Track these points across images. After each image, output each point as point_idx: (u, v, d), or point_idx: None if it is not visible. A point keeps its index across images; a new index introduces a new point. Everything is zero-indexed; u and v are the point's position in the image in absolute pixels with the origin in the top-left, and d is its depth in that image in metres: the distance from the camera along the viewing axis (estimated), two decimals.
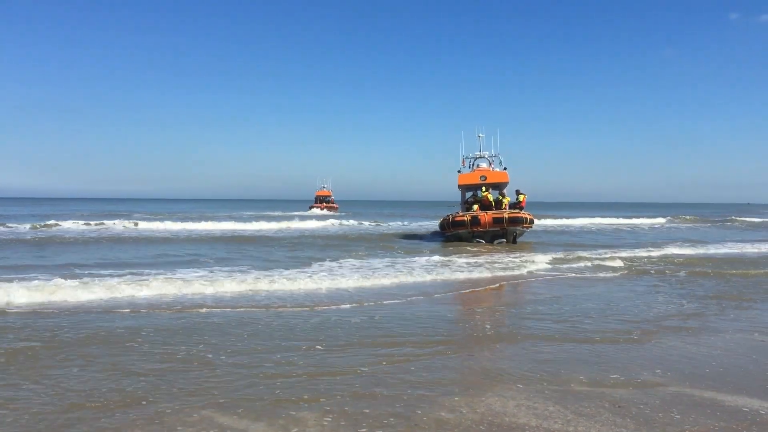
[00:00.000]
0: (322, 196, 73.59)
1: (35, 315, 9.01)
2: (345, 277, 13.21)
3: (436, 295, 11.39)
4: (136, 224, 33.05)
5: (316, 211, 67.07)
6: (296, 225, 36.47)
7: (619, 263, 17.37)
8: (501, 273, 14.77)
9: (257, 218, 44.52)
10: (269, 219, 43.02)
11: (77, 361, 6.54)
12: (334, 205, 72.50)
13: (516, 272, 14.89)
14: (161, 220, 37.96)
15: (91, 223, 33.97)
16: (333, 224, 39.08)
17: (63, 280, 11.24)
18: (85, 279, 11.96)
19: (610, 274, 15.14)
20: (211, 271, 14.22)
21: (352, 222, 43.12)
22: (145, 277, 12.37)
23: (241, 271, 14.17)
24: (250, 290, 11.51)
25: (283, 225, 35.99)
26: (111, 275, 12.87)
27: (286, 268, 14.90)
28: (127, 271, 13.90)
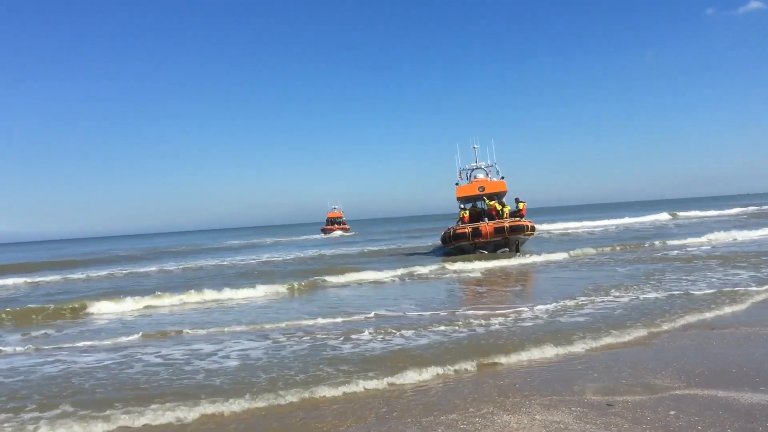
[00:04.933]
0: (334, 217, 74.35)
1: None
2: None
3: None
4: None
5: (336, 233, 68.11)
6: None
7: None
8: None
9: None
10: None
11: None
12: (346, 226, 73.29)
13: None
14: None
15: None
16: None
17: None
18: None
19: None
20: None
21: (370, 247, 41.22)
22: None
23: None
24: None
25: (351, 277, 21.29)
26: None
27: None
28: None
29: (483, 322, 9.96)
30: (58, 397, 6.87)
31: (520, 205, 25.70)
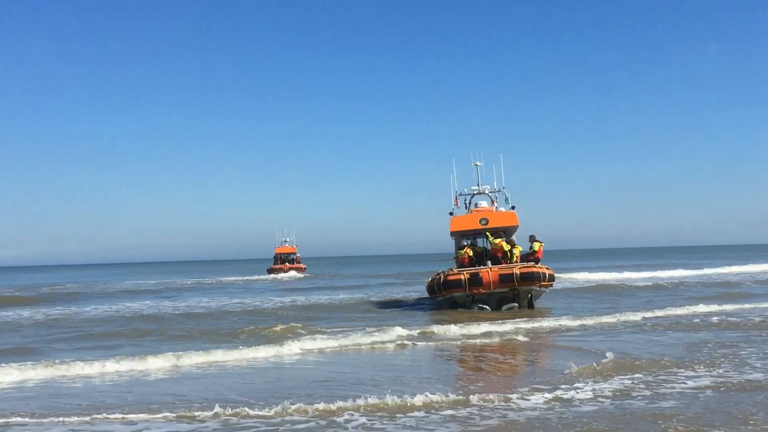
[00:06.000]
0: (285, 253, 71.56)
1: None
2: None
3: None
4: None
5: (282, 274, 65.51)
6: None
7: None
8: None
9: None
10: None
11: None
12: (301, 265, 70.42)
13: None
14: None
15: None
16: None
17: None
18: None
19: None
20: None
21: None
22: None
23: None
24: None
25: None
26: None
27: None
28: None
29: None
30: None
31: (536, 246, 24.77)
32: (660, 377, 10.94)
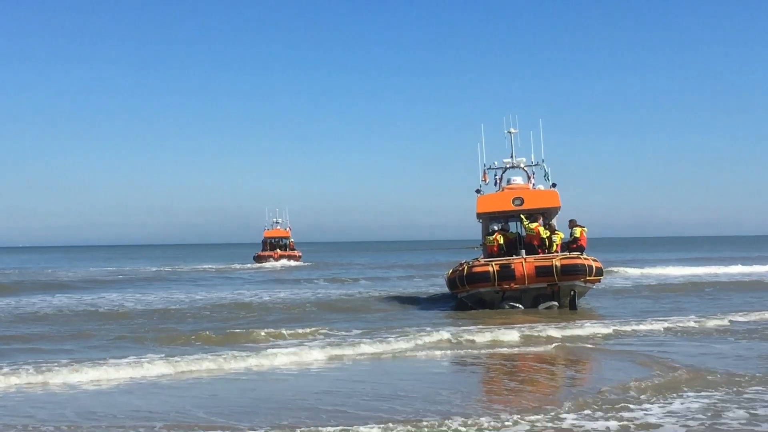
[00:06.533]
0: (276, 237, 69.53)
1: None
2: None
3: None
4: None
5: (271, 262, 64.25)
6: None
7: None
8: None
9: None
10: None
11: None
12: (295, 252, 68.93)
13: None
14: None
15: None
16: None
17: None
18: None
19: None
20: None
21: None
22: None
23: None
24: None
25: None
26: None
27: None
28: None
29: None
30: None
31: (577, 232, 23.99)
32: (746, 396, 10.38)
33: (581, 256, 22.65)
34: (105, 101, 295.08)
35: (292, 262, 65.27)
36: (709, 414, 9.35)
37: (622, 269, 46.22)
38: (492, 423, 9.18)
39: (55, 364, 13.47)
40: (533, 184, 25.59)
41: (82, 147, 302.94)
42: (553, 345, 16.17)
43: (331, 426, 9.06)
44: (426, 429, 8.92)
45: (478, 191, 25.23)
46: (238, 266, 62.12)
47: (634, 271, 45.55)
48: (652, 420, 9.15)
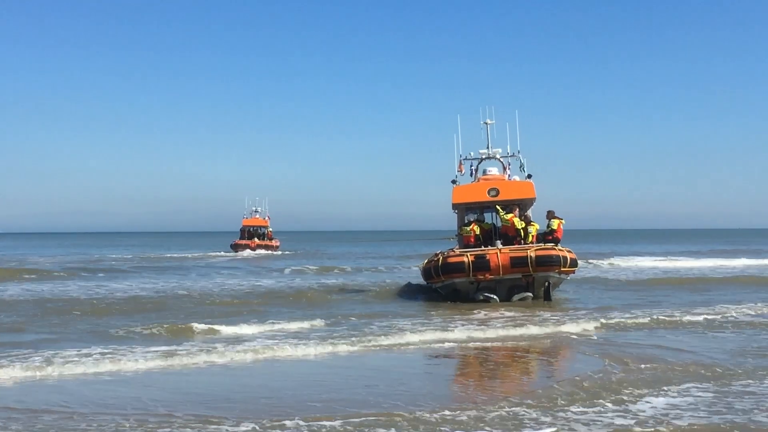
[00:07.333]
0: (254, 226, 69.37)
1: None
2: None
3: None
4: None
5: (247, 251, 63.97)
6: None
7: None
8: None
9: None
10: None
11: None
12: (273, 241, 68.96)
13: None
14: None
15: None
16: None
17: None
18: None
19: None
20: None
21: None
22: None
23: None
24: None
25: None
26: None
27: None
28: None
29: None
30: None
31: (554, 224, 24.03)
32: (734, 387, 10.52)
33: (556, 248, 22.69)
34: (85, 88, 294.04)
35: (271, 252, 65.14)
36: (676, 411, 9.20)
37: (598, 261, 46.48)
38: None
39: None
40: (509, 175, 25.67)
41: (62, 134, 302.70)
42: (526, 338, 16.02)
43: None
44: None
45: (453, 182, 25.32)
46: (213, 254, 61.84)
47: (613, 263, 46.21)
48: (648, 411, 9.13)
